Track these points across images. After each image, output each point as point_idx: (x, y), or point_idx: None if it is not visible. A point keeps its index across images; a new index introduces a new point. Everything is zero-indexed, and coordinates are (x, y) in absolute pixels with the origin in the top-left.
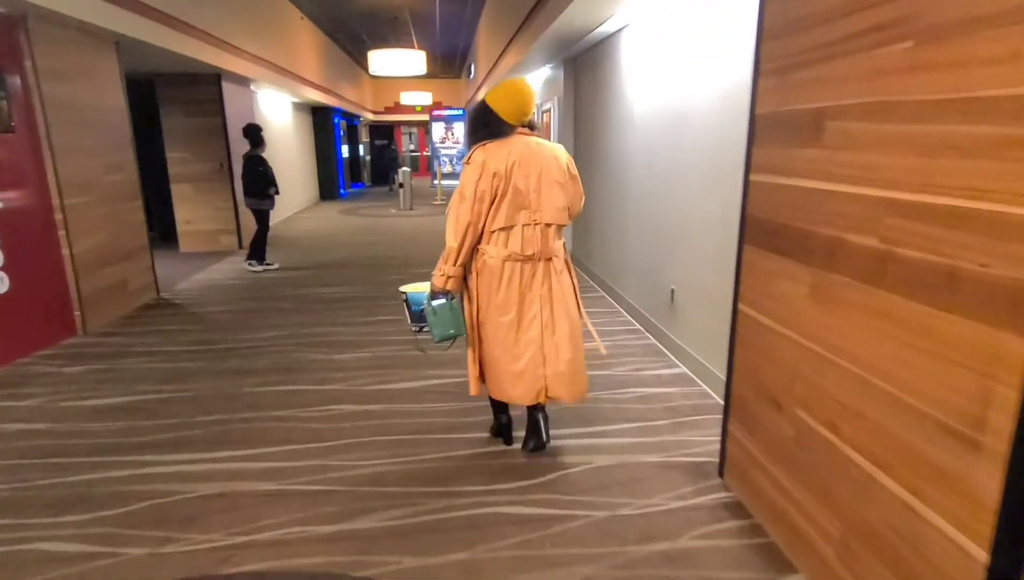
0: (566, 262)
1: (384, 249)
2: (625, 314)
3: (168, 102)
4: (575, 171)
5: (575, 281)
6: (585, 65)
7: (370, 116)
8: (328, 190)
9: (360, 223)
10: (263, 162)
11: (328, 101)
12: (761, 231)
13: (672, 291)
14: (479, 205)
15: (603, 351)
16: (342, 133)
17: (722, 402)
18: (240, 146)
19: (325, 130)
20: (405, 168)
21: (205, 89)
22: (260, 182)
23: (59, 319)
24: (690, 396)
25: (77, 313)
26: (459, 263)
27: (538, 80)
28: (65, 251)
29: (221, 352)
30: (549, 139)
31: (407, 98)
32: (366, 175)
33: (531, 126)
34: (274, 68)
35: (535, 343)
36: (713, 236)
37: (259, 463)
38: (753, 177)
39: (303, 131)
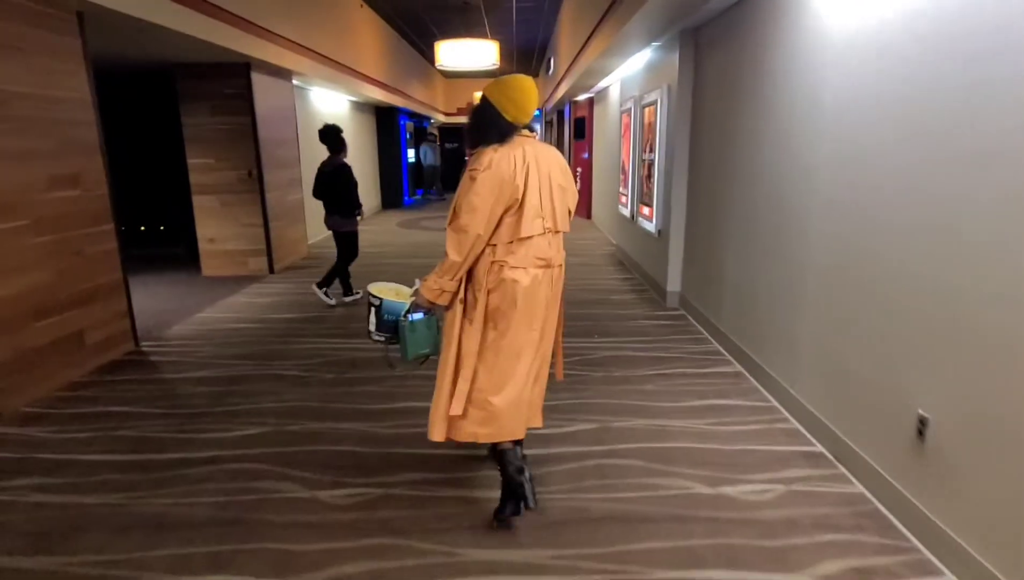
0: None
1: None
2: (793, 420)
3: (189, 98)
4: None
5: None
6: (720, 35)
7: (441, 117)
8: (391, 198)
9: (417, 240)
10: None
11: (392, 100)
12: None
13: (922, 421)
14: (492, 216)
15: (559, 377)
16: (408, 136)
17: None
18: (273, 149)
19: (389, 132)
20: None
21: (230, 81)
22: (354, 196)
23: None
24: None
25: None
26: (459, 278)
27: (635, 65)
28: None
29: (161, 469)
30: (654, 142)
31: None
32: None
33: (529, 128)
34: (321, 59)
35: (541, 355)
36: None
37: None
38: None
39: (364, 133)
